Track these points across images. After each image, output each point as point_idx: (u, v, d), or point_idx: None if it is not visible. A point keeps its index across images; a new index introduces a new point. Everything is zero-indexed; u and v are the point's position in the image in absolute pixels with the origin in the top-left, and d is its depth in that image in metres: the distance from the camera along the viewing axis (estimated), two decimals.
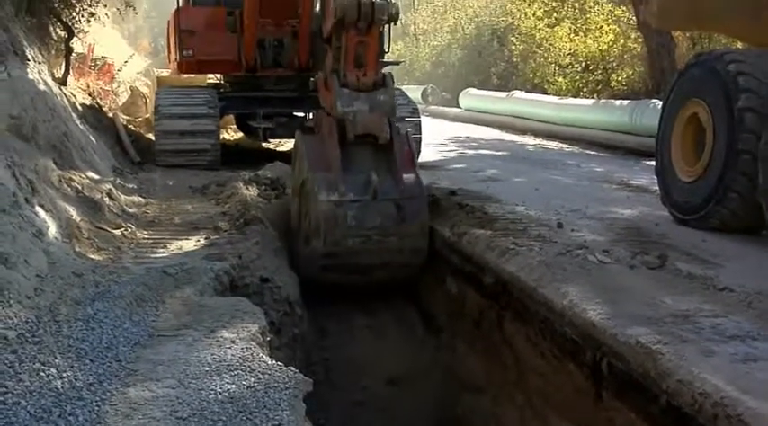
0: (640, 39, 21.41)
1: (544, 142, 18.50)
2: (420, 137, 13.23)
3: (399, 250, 8.10)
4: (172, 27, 14.87)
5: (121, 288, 5.72)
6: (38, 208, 6.33)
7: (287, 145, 15.59)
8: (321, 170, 7.83)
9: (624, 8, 23.13)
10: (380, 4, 7.85)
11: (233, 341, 4.85)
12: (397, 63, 15.57)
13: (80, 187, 8.18)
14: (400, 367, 7.69)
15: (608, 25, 24.80)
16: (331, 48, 8.36)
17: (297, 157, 8.75)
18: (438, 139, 17.02)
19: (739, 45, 10.29)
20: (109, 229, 7.63)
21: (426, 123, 14.80)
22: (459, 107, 27.24)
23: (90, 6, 15.53)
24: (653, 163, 9.48)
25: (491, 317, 7.22)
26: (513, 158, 15.05)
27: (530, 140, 18.97)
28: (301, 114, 14.32)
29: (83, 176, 8.82)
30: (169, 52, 16.26)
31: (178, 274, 6.22)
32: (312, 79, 9.58)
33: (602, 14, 25.28)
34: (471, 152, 16.28)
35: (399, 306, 8.66)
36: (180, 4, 14.65)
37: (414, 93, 24.69)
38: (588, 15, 25.66)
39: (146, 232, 8.07)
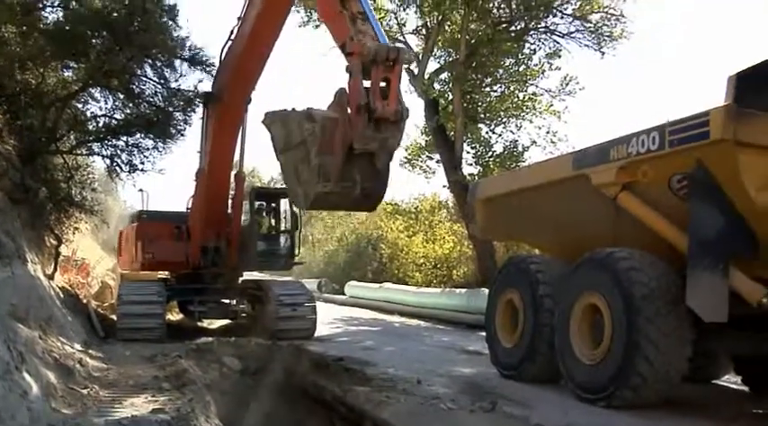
0: (471, 246, 21.95)
1: (407, 320, 18.57)
2: (315, 318, 13.21)
3: None
4: (128, 237, 14.78)
5: None
6: (25, 374, 6.03)
7: (216, 324, 15.30)
8: (326, 154, 7.19)
9: (459, 224, 23.98)
10: (403, 49, 7.89)
11: None
12: (300, 263, 15.91)
13: (58, 356, 7.87)
14: None
15: (449, 236, 25.60)
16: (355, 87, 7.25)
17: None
18: (329, 319, 16.90)
19: (537, 251, 10.89)
20: (78, 389, 7.27)
21: (320, 307, 14.78)
22: (345, 294, 27.27)
23: (76, 223, 15.73)
24: (484, 334, 9.63)
25: None
26: (385, 332, 15.08)
27: (396, 319, 19.00)
28: (227, 301, 14.20)
29: (60, 348, 8.50)
30: (120, 255, 16.11)
31: (130, 425, 5.93)
32: None
33: (445, 228, 26.18)
34: (354, 328, 16.23)
35: None
36: (131, 222, 14.94)
37: (311, 284, 24.62)
38: (435, 229, 26.54)
39: (107, 391, 7.68)
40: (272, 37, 10.73)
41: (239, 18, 11.14)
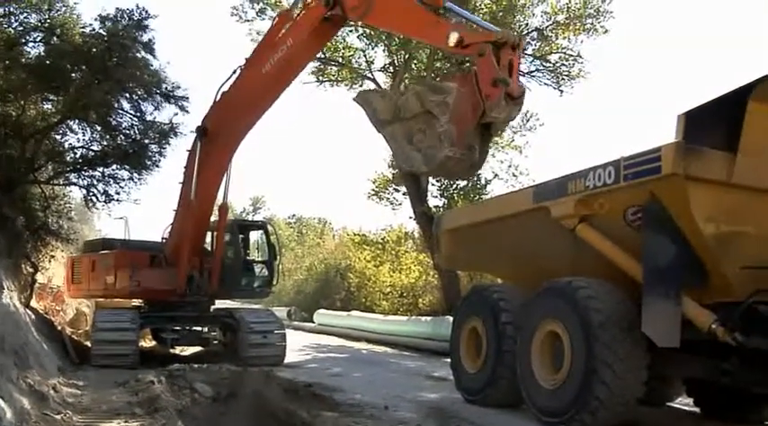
0: (436, 276, 21.91)
1: (374, 347, 18.39)
2: (285, 345, 13.08)
3: None
4: (95, 265, 14.32)
5: None
6: None
7: (188, 350, 14.96)
8: (454, 122, 7.30)
9: (425, 254, 23.95)
10: (523, 36, 9.01)
11: None
12: (272, 292, 15.82)
13: (32, 382, 7.58)
14: None
15: (414, 266, 25.48)
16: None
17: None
18: (298, 346, 16.65)
19: (499, 280, 10.89)
20: (52, 415, 6.99)
21: (290, 334, 14.59)
22: (314, 322, 26.95)
23: (52, 251, 15.50)
24: (449, 360, 9.59)
25: None
26: (352, 359, 14.90)
27: (364, 346, 18.82)
28: (199, 328, 13.93)
29: (35, 374, 8.20)
30: (71, 283, 15.50)
31: None
32: None
33: (411, 258, 26.08)
34: (322, 355, 16.02)
35: None
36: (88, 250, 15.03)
37: (281, 312, 24.29)
38: (401, 259, 26.44)
39: (80, 417, 7.40)
40: (293, 78, 10.68)
41: (247, 59, 11.03)
